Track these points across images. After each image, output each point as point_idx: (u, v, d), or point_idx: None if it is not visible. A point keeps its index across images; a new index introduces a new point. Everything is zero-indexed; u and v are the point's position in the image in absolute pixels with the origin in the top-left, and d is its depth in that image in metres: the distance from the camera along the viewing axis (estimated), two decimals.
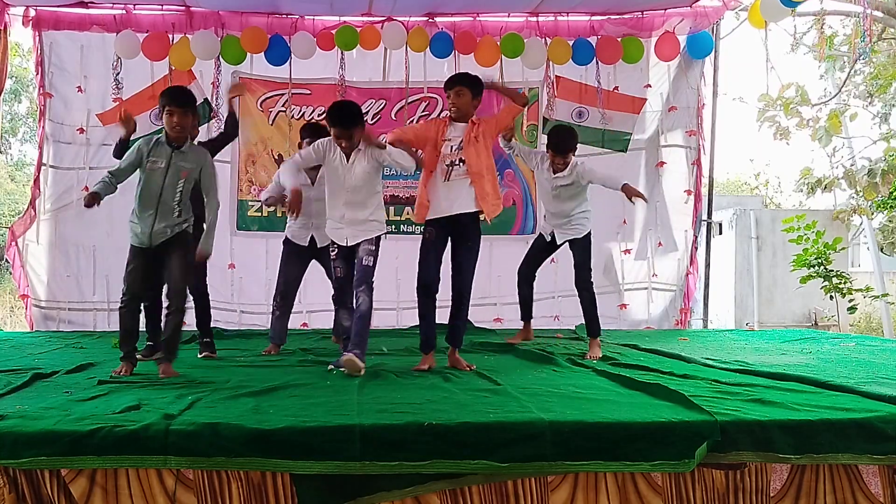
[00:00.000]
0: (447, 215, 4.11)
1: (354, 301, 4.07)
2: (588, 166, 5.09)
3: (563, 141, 4.97)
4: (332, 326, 5.20)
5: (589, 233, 5.08)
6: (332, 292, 4.42)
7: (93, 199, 3.79)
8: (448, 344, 4.23)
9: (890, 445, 2.71)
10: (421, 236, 4.22)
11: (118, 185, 3.92)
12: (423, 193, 4.18)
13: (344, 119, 4.01)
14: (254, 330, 6.36)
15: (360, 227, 4.12)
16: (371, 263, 4.09)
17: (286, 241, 5.10)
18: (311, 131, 4.80)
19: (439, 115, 6.98)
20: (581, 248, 5.01)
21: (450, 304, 4.23)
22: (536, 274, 5.39)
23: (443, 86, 4.27)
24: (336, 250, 4.20)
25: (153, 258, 3.92)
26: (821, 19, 10.56)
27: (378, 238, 4.18)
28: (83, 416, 2.75)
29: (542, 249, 5.30)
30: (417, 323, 6.21)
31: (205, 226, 4.03)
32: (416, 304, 4.21)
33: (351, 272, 4.15)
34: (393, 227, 6.98)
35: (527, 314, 5.45)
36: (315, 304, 6.46)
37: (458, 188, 4.09)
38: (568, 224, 5.06)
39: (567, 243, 5.10)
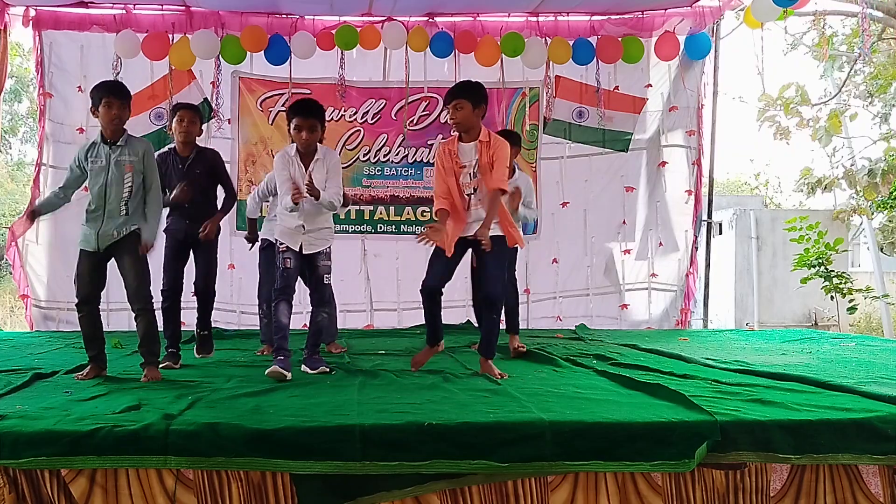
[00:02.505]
0: (462, 236, 3.92)
1: (313, 316, 4.10)
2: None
3: (516, 136, 4.89)
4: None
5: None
6: (276, 284, 4.05)
7: (34, 217, 3.89)
8: (480, 353, 4.03)
9: (890, 445, 2.71)
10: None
11: (70, 197, 3.94)
12: (451, 229, 3.90)
13: (305, 108, 4.00)
14: (253, 330, 6.34)
15: (316, 236, 4.05)
16: (330, 281, 4.12)
17: (265, 248, 4.92)
18: None
19: (439, 114, 7.00)
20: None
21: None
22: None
23: (443, 100, 4.07)
24: (285, 245, 4.04)
25: (102, 262, 3.82)
26: (820, 19, 10.56)
27: (330, 247, 4.15)
28: (83, 416, 2.75)
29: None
30: (418, 323, 6.18)
31: (147, 222, 3.82)
32: (422, 305, 4.08)
33: (299, 266, 4.06)
34: (393, 227, 6.99)
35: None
36: None
37: (477, 217, 3.87)
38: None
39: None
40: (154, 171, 3.89)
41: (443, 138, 6.24)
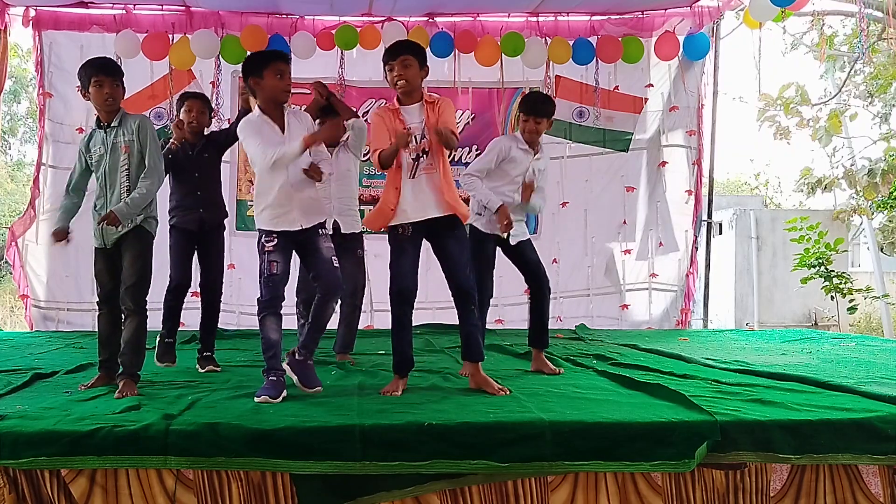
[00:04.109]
0: (417, 221, 3.44)
1: (318, 307, 3.46)
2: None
3: (542, 102, 4.11)
4: (336, 328, 4.63)
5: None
6: (261, 294, 3.43)
7: (60, 236, 3.51)
8: (466, 359, 3.53)
9: (890, 445, 2.71)
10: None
11: (83, 196, 3.62)
12: (389, 197, 3.49)
13: (281, 55, 3.53)
14: (253, 330, 6.33)
15: (313, 207, 3.48)
16: (337, 263, 3.48)
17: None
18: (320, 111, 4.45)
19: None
20: (532, 246, 4.23)
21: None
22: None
23: (384, 59, 3.64)
24: (274, 240, 3.39)
25: (115, 257, 3.53)
26: (820, 19, 10.55)
27: (329, 223, 3.52)
28: (83, 416, 2.75)
29: (493, 257, 4.17)
30: (418, 324, 5.94)
31: (133, 194, 3.44)
32: (390, 315, 3.47)
33: (288, 269, 3.45)
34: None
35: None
36: None
37: (427, 186, 3.43)
38: (521, 223, 4.17)
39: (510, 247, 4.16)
40: (153, 147, 3.50)
41: None
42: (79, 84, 3.60)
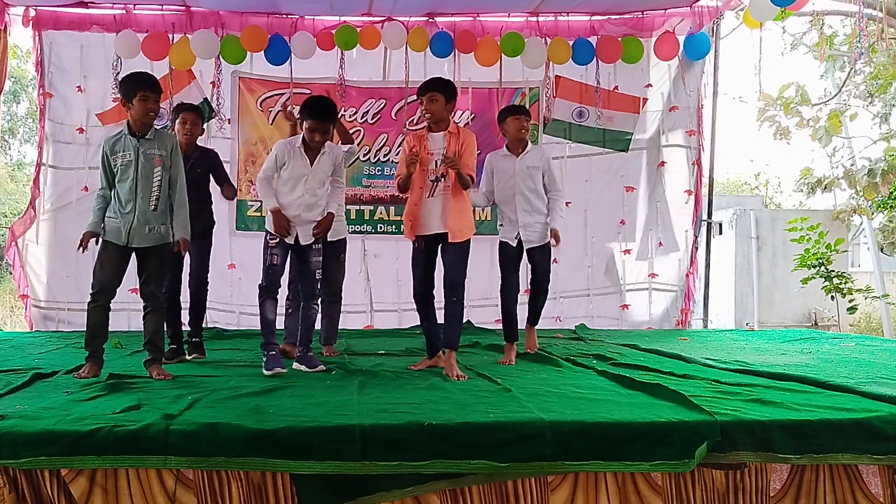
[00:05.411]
0: (432, 233, 4.07)
1: (303, 311, 4.17)
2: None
3: (516, 106, 4.74)
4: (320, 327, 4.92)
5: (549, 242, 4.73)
6: (261, 281, 4.12)
7: (88, 238, 3.74)
8: (443, 347, 4.11)
9: (890, 445, 2.71)
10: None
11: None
12: (408, 210, 4.14)
13: (323, 112, 4.05)
14: (253, 330, 6.34)
15: (312, 230, 4.10)
16: (320, 276, 4.19)
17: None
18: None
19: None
20: (545, 255, 4.75)
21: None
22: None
23: (417, 92, 4.20)
24: (277, 239, 4.05)
25: (127, 256, 3.82)
26: (820, 19, 10.54)
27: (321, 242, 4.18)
28: (83, 416, 2.75)
29: (515, 258, 4.68)
30: (418, 323, 6.13)
31: (175, 217, 3.89)
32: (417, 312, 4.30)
33: (285, 262, 4.12)
34: (393, 227, 6.99)
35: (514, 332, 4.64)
36: None
37: (440, 206, 4.03)
38: (533, 230, 4.66)
39: (528, 251, 4.69)
40: (180, 167, 3.90)
41: None
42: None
